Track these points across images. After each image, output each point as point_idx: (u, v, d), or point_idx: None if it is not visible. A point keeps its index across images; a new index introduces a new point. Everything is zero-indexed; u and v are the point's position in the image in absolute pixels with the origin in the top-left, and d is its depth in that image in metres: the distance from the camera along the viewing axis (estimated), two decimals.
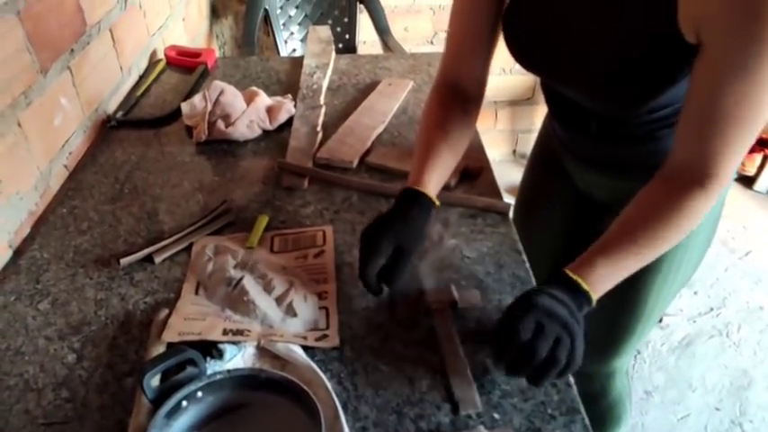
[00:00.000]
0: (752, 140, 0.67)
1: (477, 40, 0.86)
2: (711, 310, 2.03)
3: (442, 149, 0.86)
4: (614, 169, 0.93)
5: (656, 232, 0.70)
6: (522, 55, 0.83)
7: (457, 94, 0.89)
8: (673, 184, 0.71)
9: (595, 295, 0.69)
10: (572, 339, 0.65)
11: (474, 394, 0.68)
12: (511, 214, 0.97)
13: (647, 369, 1.83)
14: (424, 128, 0.90)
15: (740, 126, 0.65)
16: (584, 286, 0.68)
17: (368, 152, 1.13)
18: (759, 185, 2.56)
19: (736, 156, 0.68)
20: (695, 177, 0.69)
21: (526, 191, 1.20)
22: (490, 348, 0.72)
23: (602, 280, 0.69)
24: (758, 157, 2.53)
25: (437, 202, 0.83)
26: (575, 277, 0.69)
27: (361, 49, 2.31)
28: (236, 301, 0.78)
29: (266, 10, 2.12)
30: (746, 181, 2.59)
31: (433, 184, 0.83)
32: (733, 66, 0.62)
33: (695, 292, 2.08)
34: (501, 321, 0.68)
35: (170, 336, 0.73)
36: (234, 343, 0.72)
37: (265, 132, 1.21)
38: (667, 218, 0.70)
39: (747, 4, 0.58)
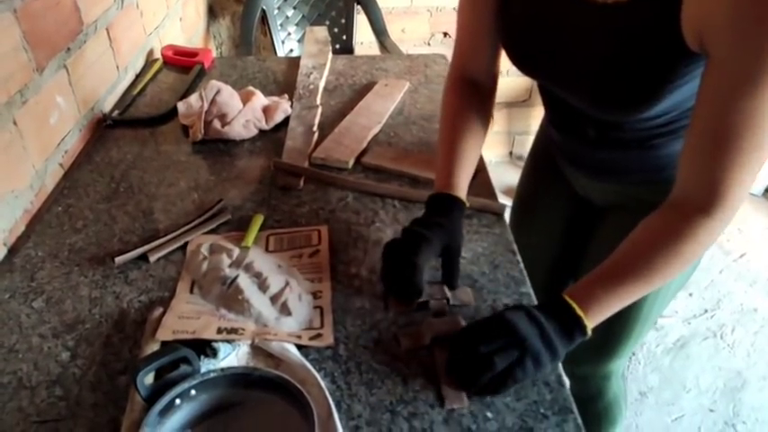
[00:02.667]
0: (761, 164, 0.62)
1: (483, 34, 0.87)
2: (706, 311, 2.04)
3: (464, 145, 0.87)
4: (611, 175, 0.93)
5: (657, 264, 0.68)
6: (520, 59, 0.83)
7: (471, 86, 0.91)
8: (678, 213, 0.68)
9: (590, 323, 0.68)
10: (522, 354, 0.65)
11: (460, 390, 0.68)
12: (507, 216, 0.98)
13: (642, 370, 1.84)
14: (445, 125, 0.91)
15: (748, 148, 0.61)
16: (578, 311, 0.67)
17: (364, 152, 1.13)
18: (754, 188, 2.57)
19: (743, 181, 0.63)
20: (701, 205, 0.66)
21: (524, 193, 1.20)
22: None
23: (598, 309, 0.68)
24: None
25: (467, 203, 0.85)
26: (570, 302, 0.68)
27: (359, 50, 2.31)
28: (231, 299, 0.78)
29: (264, 10, 2.12)
30: None
31: (462, 184, 0.86)
32: (740, 80, 0.59)
33: (690, 294, 2.09)
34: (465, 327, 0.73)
35: (164, 334, 0.73)
36: (228, 341, 0.72)
37: (261, 132, 1.22)
38: (670, 250, 0.67)
39: (756, 16, 0.55)
